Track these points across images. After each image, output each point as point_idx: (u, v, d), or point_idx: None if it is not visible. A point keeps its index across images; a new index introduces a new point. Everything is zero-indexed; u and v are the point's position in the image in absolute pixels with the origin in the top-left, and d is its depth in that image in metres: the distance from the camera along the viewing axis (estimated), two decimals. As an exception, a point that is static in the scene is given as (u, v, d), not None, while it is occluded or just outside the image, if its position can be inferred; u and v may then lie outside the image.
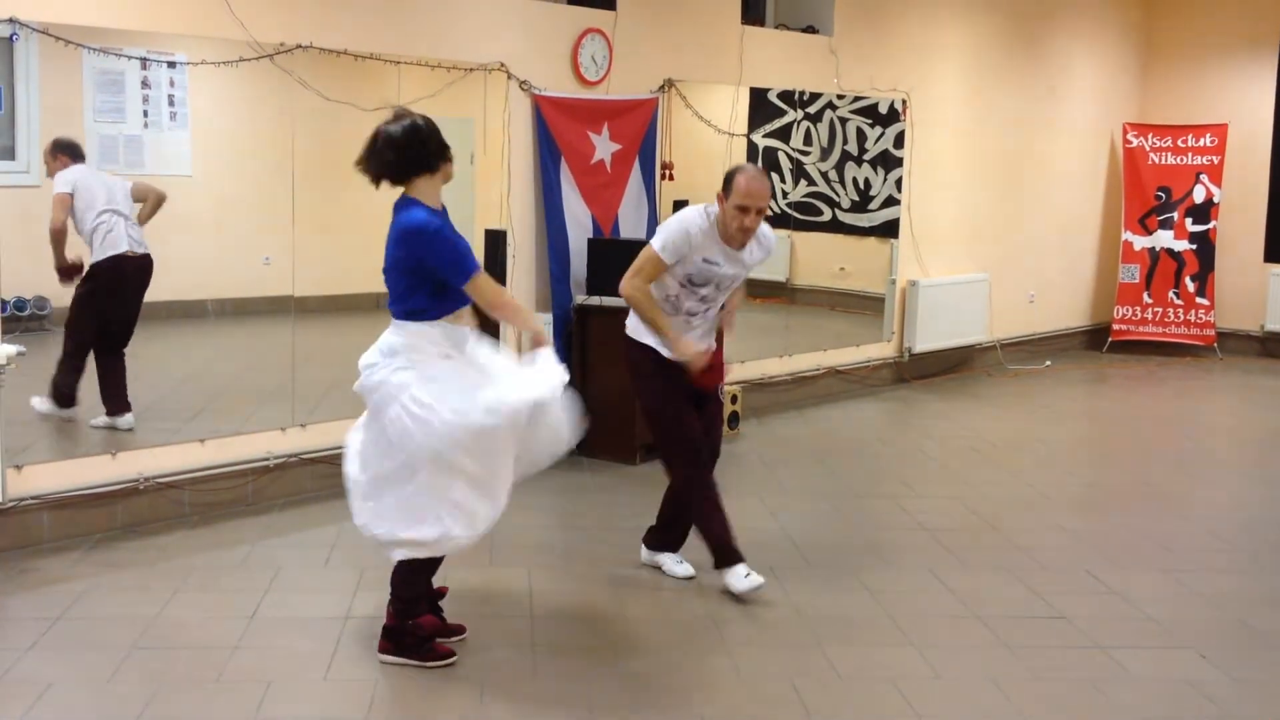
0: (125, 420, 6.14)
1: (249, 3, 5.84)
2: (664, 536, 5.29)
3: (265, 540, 5.60)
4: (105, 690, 4.06)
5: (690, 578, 5.20)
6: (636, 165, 7.56)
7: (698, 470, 5.06)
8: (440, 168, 4.12)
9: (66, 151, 6.02)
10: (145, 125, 6.36)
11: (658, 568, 5.32)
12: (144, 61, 6.17)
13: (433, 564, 4.37)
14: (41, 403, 6.02)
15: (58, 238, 5.97)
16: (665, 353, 4.96)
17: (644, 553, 5.37)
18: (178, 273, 6.27)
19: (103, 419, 6.13)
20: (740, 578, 5.01)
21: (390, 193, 4.16)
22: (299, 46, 6.03)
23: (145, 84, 6.26)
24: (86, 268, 6.05)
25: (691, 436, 5.05)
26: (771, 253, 5.13)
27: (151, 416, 6.19)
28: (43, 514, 5.42)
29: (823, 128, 9.21)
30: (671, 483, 5.17)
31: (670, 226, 4.92)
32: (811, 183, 9.29)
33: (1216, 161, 11.16)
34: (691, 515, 5.13)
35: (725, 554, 5.06)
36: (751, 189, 4.78)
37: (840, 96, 9.09)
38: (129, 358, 6.17)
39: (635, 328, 5.06)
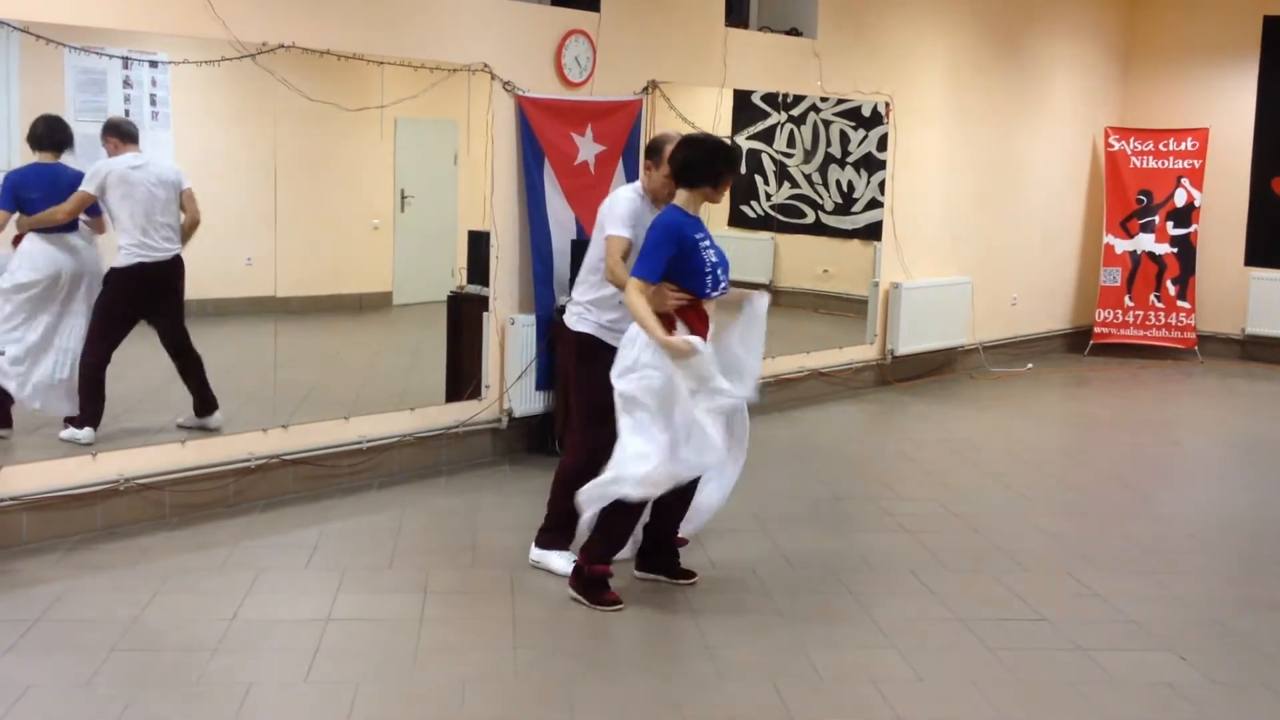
0: (214, 420, 6.14)
1: (231, 2, 5.82)
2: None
3: (246, 542, 5.58)
4: (84, 692, 4.04)
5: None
6: (620, 167, 7.56)
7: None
8: (702, 189, 4.85)
9: (114, 133, 5.89)
10: (127, 124, 6.33)
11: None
12: (126, 60, 6.15)
13: (629, 516, 4.85)
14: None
15: (46, 222, 5.83)
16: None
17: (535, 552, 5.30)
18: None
19: (191, 419, 6.14)
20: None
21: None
22: (281, 46, 6.01)
23: (127, 83, 6.24)
24: (108, 269, 5.97)
25: None
26: None
27: (132, 417, 6.16)
28: (22, 515, 5.39)
29: (806, 130, 9.23)
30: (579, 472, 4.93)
31: (615, 208, 5.05)
32: (795, 185, 9.31)
33: (1198, 165, 11.21)
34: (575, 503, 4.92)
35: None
36: None
37: (824, 99, 9.11)
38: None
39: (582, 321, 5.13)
